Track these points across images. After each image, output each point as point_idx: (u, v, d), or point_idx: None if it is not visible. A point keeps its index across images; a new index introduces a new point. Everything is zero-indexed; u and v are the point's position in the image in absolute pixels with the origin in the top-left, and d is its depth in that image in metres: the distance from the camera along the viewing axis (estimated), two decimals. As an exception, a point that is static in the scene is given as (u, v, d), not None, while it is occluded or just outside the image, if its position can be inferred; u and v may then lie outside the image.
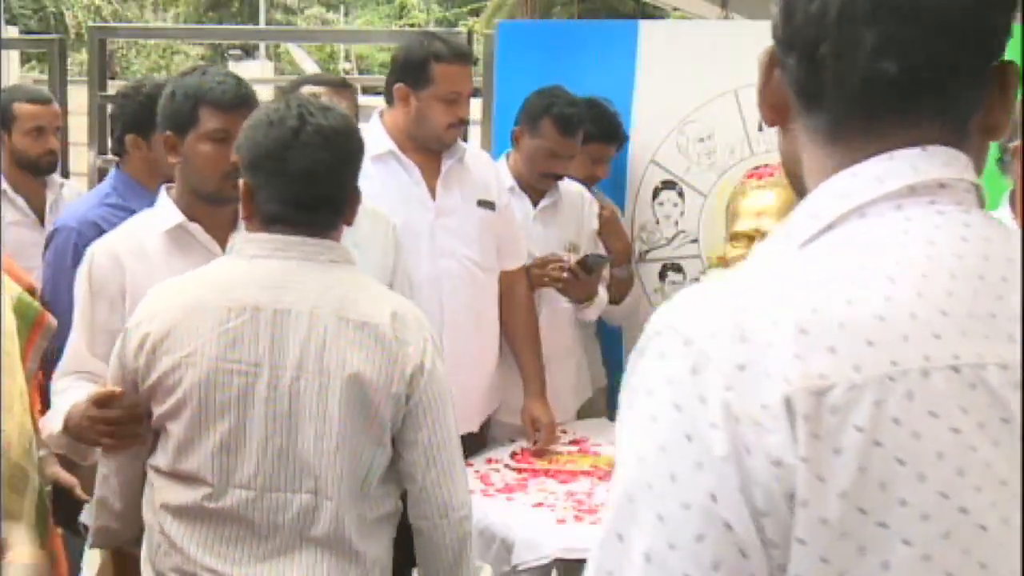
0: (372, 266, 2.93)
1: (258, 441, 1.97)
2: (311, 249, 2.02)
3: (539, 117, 3.34)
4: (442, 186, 3.18)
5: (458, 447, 2.11)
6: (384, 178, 3.11)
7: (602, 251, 3.55)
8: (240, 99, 2.41)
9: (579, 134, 3.38)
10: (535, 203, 3.47)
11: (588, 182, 3.61)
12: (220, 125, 2.40)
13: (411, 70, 3.11)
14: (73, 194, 4.00)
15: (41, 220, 3.86)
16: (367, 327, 1.98)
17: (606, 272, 3.54)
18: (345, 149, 2.04)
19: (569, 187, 3.49)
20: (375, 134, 3.13)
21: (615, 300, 3.65)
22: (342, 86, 3.00)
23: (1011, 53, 0.95)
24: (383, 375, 1.98)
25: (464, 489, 2.12)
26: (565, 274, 3.34)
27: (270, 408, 1.97)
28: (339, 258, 2.05)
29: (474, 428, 3.29)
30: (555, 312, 3.48)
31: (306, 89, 2.89)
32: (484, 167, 3.31)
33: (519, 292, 3.35)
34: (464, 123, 3.22)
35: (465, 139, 3.51)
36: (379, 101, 3.28)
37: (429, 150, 3.18)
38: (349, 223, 2.10)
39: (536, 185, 3.45)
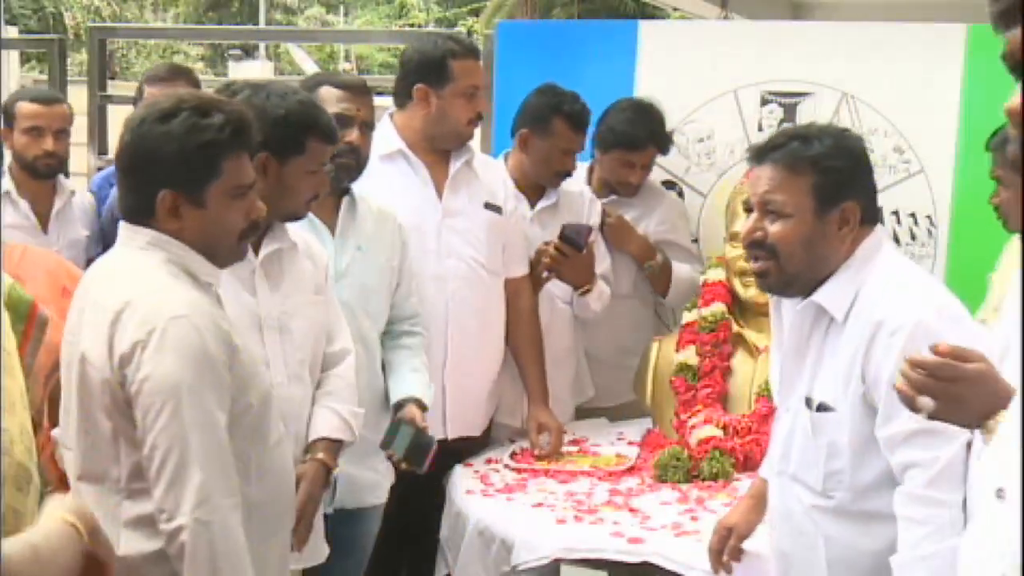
0: (377, 267, 2.92)
1: (76, 412, 2.06)
2: (124, 235, 2.11)
3: (549, 118, 3.35)
4: (449, 187, 3.20)
5: (181, 452, 1.92)
6: (392, 177, 3.14)
7: (605, 249, 3.54)
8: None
9: (587, 128, 3.41)
10: (532, 204, 3.47)
11: (617, 188, 3.61)
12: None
13: (429, 69, 3.13)
14: (86, 203, 3.91)
15: (44, 226, 3.79)
16: (101, 309, 2.00)
17: (607, 267, 3.52)
18: (148, 150, 2.03)
19: (569, 187, 3.49)
20: (385, 134, 3.17)
21: (662, 293, 3.66)
22: (361, 91, 2.94)
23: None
24: (99, 357, 1.98)
25: (184, 500, 1.92)
26: (552, 251, 3.32)
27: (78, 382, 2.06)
28: (153, 243, 2.06)
29: (476, 433, 3.29)
30: (555, 312, 3.47)
31: (324, 91, 2.86)
32: (492, 171, 3.32)
33: (523, 300, 3.34)
34: (480, 118, 3.24)
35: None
36: (378, 101, 3.27)
37: (439, 151, 3.19)
38: (162, 223, 2.04)
39: (548, 184, 3.46)
